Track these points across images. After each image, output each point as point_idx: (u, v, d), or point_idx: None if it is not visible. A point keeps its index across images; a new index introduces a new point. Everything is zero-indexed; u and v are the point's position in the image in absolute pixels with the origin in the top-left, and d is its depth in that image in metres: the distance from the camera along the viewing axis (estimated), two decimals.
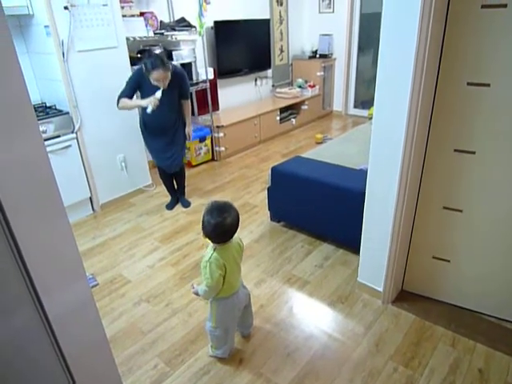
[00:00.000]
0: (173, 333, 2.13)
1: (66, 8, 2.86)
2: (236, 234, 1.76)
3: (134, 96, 3.04)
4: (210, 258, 1.68)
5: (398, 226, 2.01)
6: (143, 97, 2.99)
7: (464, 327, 2.05)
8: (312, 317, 2.21)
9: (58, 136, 3.06)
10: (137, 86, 2.98)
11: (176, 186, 3.56)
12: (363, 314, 2.19)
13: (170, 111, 3.09)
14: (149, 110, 2.83)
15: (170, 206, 3.52)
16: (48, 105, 3.20)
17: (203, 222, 1.67)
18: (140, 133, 3.27)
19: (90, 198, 3.44)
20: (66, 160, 3.13)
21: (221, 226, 1.64)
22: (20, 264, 0.80)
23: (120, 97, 2.96)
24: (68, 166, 3.15)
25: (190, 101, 3.32)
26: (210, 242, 1.72)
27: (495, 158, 1.79)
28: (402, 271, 2.28)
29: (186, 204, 3.52)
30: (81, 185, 3.31)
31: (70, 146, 3.14)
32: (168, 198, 3.57)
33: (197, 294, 1.80)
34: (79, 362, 0.99)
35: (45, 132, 2.94)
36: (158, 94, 2.83)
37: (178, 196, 3.59)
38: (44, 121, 2.94)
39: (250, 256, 2.76)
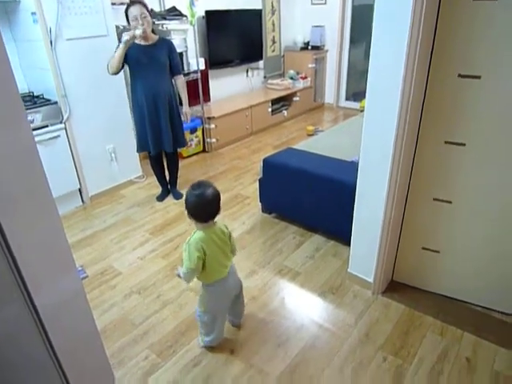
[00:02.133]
0: (164, 324, 2.13)
1: None
2: (221, 221, 1.78)
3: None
4: (190, 240, 1.72)
5: (388, 217, 2.02)
6: (130, 65, 2.97)
7: (452, 317, 2.09)
8: (303, 307, 2.23)
9: (46, 126, 3.01)
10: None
11: (168, 177, 3.54)
12: (354, 305, 2.21)
13: (161, 74, 3.03)
14: (125, 38, 2.79)
15: (161, 198, 3.50)
16: (35, 94, 3.14)
17: (186, 198, 1.72)
18: (131, 121, 3.22)
19: (79, 190, 3.40)
20: (54, 151, 3.08)
21: (201, 197, 1.68)
22: (8, 256, 0.79)
23: (108, 62, 2.92)
24: (56, 157, 3.10)
25: (183, 76, 3.28)
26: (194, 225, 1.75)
27: (485, 150, 1.80)
28: (392, 262, 2.30)
29: (178, 195, 3.50)
30: (70, 176, 3.27)
31: (58, 136, 3.09)
32: (159, 190, 3.55)
33: (179, 276, 1.80)
34: (69, 354, 0.99)
35: (32, 122, 2.88)
36: (138, 31, 2.81)
37: (168, 187, 3.57)
38: (31, 110, 2.89)
39: (242, 247, 2.76)
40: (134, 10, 2.81)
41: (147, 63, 2.95)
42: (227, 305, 1.92)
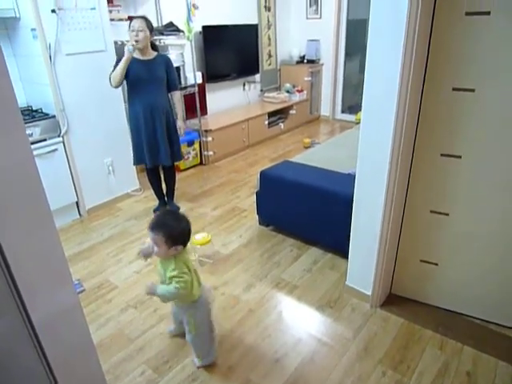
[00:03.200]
0: (160, 339, 2.10)
1: (53, 11, 2.84)
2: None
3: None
4: (175, 267, 1.69)
5: (385, 229, 2.02)
6: (129, 79, 2.98)
7: (452, 330, 2.07)
8: (301, 321, 2.21)
9: (45, 140, 3.02)
10: None
11: (165, 190, 3.53)
12: (352, 318, 2.20)
13: (158, 89, 3.06)
14: (130, 48, 2.83)
15: (158, 211, 3.48)
16: (34, 108, 3.15)
17: (177, 231, 1.68)
18: (129, 135, 3.23)
19: (77, 203, 3.39)
20: (52, 164, 3.08)
21: (188, 221, 1.74)
22: (4, 269, 0.79)
23: (110, 75, 2.95)
24: (54, 170, 3.10)
25: (180, 92, 3.30)
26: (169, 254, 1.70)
27: (481, 162, 1.82)
28: (391, 275, 2.29)
29: (175, 208, 3.49)
30: (67, 189, 3.26)
31: (56, 149, 3.10)
32: (156, 203, 3.54)
33: (152, 293, 1.71)
34: (65, 370, 0.97)
35: (31, 136, 2.90)
36: (131, 42, 2.85)
37: (166, 200, 3.56)
38: (30, 124, 2.90)
39: (239, 260, 2.75)
40: (134, 23, 2.87)
41: (145, 78, 2.98)
42: (211, 314, 1.91)
